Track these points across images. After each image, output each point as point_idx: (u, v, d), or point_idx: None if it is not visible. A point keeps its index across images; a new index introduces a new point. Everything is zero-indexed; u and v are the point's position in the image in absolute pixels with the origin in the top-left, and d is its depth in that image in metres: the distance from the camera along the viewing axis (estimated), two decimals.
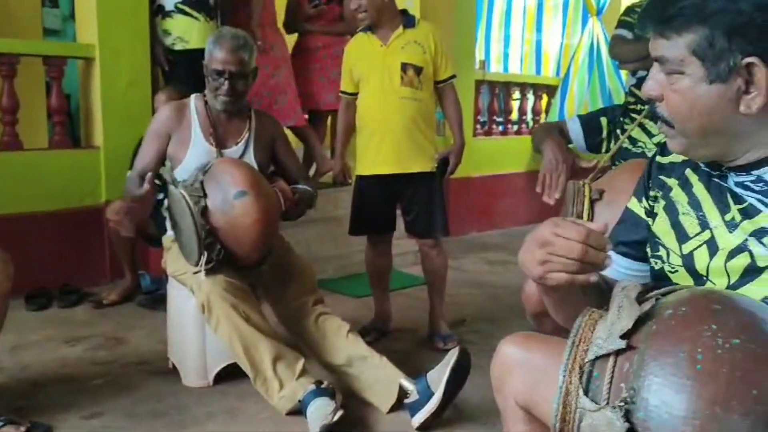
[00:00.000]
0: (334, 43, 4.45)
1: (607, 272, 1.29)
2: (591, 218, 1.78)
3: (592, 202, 1.80)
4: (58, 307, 3.40)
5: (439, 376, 2.15)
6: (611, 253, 1.27)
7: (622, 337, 0.86)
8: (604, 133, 2.26)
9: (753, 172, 1.03)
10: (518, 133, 6.31)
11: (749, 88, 0.97)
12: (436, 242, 2.97)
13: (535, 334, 1.31)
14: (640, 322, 0.87)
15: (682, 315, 0.85)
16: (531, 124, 6.47)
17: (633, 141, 2.19)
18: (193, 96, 2.55)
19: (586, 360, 0.88)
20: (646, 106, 2.19)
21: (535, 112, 6.52)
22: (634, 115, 2.24)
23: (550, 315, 1.92)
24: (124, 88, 3.79)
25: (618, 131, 2.27)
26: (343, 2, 4.40)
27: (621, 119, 2.27)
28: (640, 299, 0.91)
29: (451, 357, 2.15)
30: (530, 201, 5.64)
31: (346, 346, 2.34)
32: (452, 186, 4.83)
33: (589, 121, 2.29)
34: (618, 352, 0.86)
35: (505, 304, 3.58)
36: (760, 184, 1.02)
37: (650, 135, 2.18)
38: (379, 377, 2.29)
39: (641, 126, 2.19)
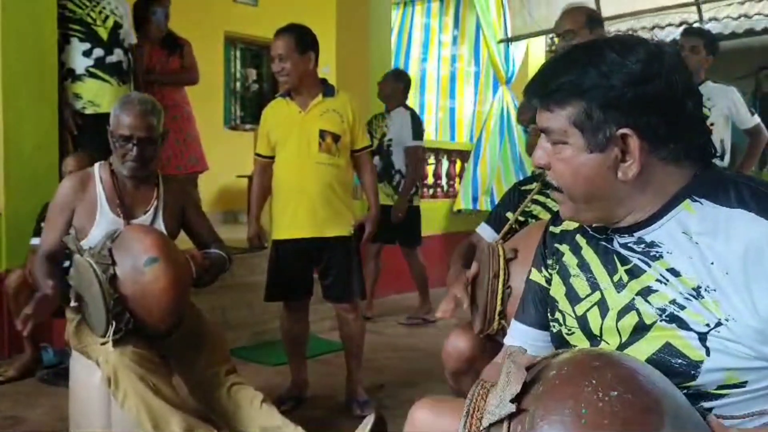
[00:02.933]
0: (182, 102, 4.44)
1: (513, 344, 1.32)
2: (507, 278, 1.82)
3: (507, 262, 1.85)
4: None
5: None
6: (521, 326, 1.31)
7: (513, 401, 0.89)
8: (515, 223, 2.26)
9: (635, 234, 1.10)
10: (434, 197, 6.46)
11: (625, 156, 1.05)
12: (354, 306, 2.97)
13: (444, 399, 1.32)
14: (529, 385, 0.91)
15: (565, 374, 0.90)
16: (446, 188, 6.65)
17: (533, 217, 2.20)
18: (96, 165, 2.46)
19: (481, 428, 0.91)
20: (535, 183, 2.26)
21: (450, 177, 6.71)
22: (537, 196, 2.23)
23: (468, 373, 1.95)
24: (29, 152, 3.66)
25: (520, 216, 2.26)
26: (183, 55, 4.45)
27: (520, 203, 2.24)
28: (529, 365, 0.95)
29: (366, 424, 2.11)
30: (446, 263, 5.73)
31: (259, 417, 2.27)
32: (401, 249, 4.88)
33: (497, 222, 2.29)
34: (510, 417, 0.89)
35: (423, 368, 3.58)
36: (642, 245, 1.09)
37: (547, 208, 2.19)
38: None
39: (539, 203, 2.21)
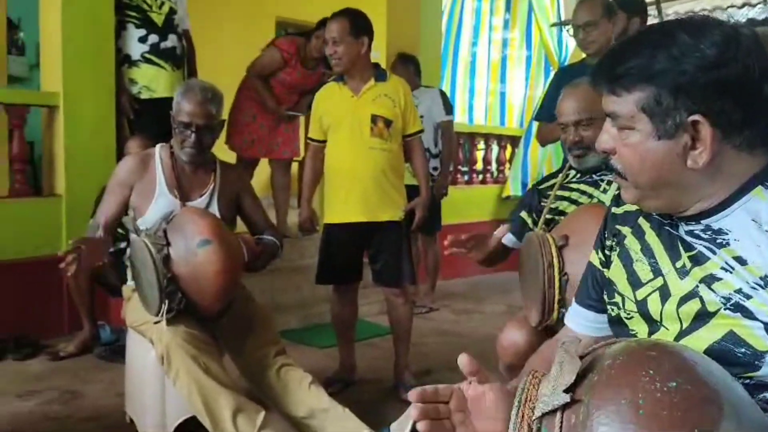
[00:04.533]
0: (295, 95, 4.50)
1: (573, 326, 1.31)
2: (562, 266, 1.80)
3: (559, 249, 1.82)
4: (12, 359, 3.30)
5: (401, 428, 2.11)
6: (579, 308, 1.30)
7: (566, 391, 0.87)
8: (530, 224, 2.22)
9: (702, 222, 1.06)
10: (483, 182, 6.41)
11: (695, 144, 1.00)
12: (403, 291, 2.98)
13: None
14: (582, 375, 0.89)
15: (620, 363, 0.88)
16: (496, 173, 6.58)
17: (560, 213, 2.16)
18: (158, 146, 2.52)
19: (534, 418, 0.90)
20: (553, 181, 2.23)
21: (500, 162, 6.64)
22: (560, 192, 2.19)
23: (523, 367, 1.93)
24: (87, 136, 3.77)
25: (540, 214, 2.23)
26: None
27: (540, 203, 2.21)
28: (582, 354, 0.93)
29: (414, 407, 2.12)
30: None
31: (308, 398, 2.30)
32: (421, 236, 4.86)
33: (516, 226, 2.27)
34: (564, 407, 0.88)
35: (470, 354, 3.57)
36: (708, 233, 1.05)
37: (573, 201, 2.15)
38: (341, 429, 2.24)
39: (564, 198, 2.17)
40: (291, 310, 4.03)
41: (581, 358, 0.93)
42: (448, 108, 4.69)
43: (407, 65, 4.58)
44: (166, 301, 2.15)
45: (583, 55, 3.10)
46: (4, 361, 3.27)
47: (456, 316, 4.58)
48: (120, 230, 2.50)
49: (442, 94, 4.78)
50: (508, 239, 2.28)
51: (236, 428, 2.11)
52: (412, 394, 1.02)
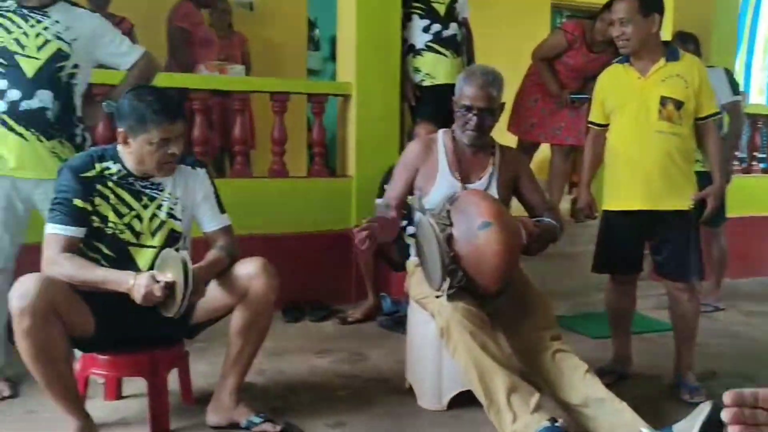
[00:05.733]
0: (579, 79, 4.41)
1: None
2: None
3: None
4: (309, 320, 3.73)
5: (686, 430, 1.99)
6: None
7: None
8: None
9: None
10: None
11: None
12: (689, 286, 2.78)
13: None
14: None
15: None
16: None
17: None
18: (440, 131, 2.66)
19: None
20: None
21: None
22: None
23: None
24: (375, 122, 4.08)
25: None
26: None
27: None
28: None
29: (702, 411, 1.98)
30: None
31: (583, 386, 2.27)
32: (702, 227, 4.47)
33: None
34: None
35: (764, 361, 3.22)
36: None
37: None
38: (617, 422, 2.17)
39: None
40: (562, 296, 3.97)
41: None
42: (735, 88, 4.25)
43: (686, 44, 4.20)
44: (448, 279, 2.26)
45: None
46: (303, 322, 3.72)
47: (747, 317, 4.15)
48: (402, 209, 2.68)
49: (728, 73, 4.32)
50: None
51: (510, 407, 2.14)
52: (728, 396, 0.93)
